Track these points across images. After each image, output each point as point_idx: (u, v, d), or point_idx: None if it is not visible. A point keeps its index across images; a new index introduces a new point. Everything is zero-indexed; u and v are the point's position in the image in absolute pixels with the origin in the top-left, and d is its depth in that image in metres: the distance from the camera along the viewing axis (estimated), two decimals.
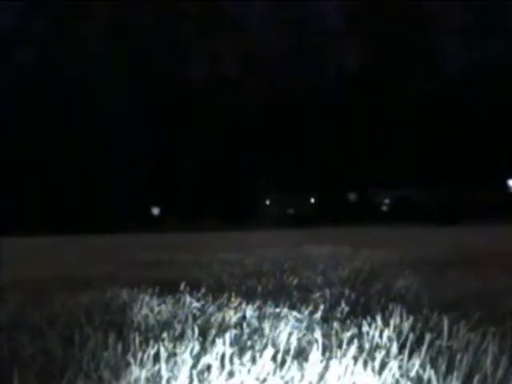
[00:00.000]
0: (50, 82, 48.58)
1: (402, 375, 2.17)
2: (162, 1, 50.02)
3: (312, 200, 56.92)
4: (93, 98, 48.60)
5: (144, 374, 2.13)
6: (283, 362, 2.24)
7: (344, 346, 2.47)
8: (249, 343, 2.67)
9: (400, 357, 2.34)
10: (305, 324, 3.03)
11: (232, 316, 3.32)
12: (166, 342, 2.62)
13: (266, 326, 2.99)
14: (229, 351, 2.29)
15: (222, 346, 2.37)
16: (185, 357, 2.32)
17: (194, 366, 2.23)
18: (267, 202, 57.44)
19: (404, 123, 51.15)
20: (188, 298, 3.95)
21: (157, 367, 2.22)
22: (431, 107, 51.45)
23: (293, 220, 48.15)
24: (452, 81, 53.23)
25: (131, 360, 2.28)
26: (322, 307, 3.48)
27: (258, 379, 2.09)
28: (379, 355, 2.29)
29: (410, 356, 2.36)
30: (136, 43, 50.56)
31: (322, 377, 2.10)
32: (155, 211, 54.65)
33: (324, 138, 51.32)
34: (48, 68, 49.56)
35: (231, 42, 53.06)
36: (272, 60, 54.70)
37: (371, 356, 2.36)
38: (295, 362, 2.23)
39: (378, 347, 2.56)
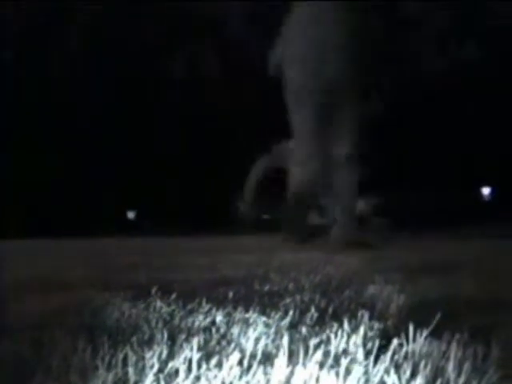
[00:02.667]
0: (27, 81, 48.15)
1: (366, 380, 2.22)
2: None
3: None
4: (68, 99, 48.24)
5: (111, 377, 2.15)
6: (249, 367, 2.27)
7: (310, 351, 2.50)
8: (217, 348, 2.70)
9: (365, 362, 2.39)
10: (273, 329, 3.05)
11: (201, 321, 3.34)
12: (135, 346, 2.64)
13: (235, 331, 3.02)
14: (196, 356, 2.31)
15: (190, 351, 2.39)
16: (152, 361, 2.34)
17: (161, 370, 2.25)
18: (242, 208, 57.30)
19: (379, 129, 51.30)
20: (159, 303, 3.97)
21: (125, 371, 2.24)
22: (406, 113, 51.72)
23: (267, 225, 48.04)
24: (429, 85, 53.50)
25: (99, 364, 2.29)
26: (291, 313, 3.51)
27: (223, 383, 2.12)
28: (345, 361, 2.32)
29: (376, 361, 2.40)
30: (112, 42, 50.33)
31: (287, 382, 2.13)
32: (130, 215, 54.34)
33: None
34: (24, 66, 49.12)
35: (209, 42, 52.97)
36: (252, 59, 54.67)
37: (337, 362, 2.40)
38: (261, 367, 2.26)
39: (344, 353, 2.60)
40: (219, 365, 2.27)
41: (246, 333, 2.95)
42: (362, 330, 2.91)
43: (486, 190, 51.28)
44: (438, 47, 48.97)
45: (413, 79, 52.51)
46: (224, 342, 2.80)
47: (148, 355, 2.41)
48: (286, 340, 2.53)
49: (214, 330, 3.08)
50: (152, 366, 2.27)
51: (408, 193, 48.21)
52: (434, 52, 48.98)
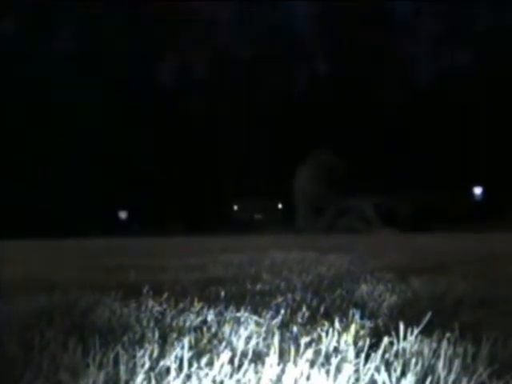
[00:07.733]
0: (13, 82, 47.96)
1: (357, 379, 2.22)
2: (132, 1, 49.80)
3: (280, 206, 57.10)
4: (58, 99, 48.11)
5: (102, 375, 2.15)
6: (240, 365, 2.28)
7: (301, 349, 2.50)
8: (208, 347, 2.70)
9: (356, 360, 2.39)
10: (264, 328, 3.06)
11: (193, 320, 3.35)
12: (127, 345, 2.64)
13: (226, 329, 3.02)
14: (187, 354, 2.31)
15: (181, 350, 2.39)
16: (144, 359, 2.34)
17: (152, 369, 2.25)
18: (235, 208, 57.52)
19: (373, 131, 51.56)
20: (150, 302, 3.97)
21: (116, 369, 2.24)
22: (400, 115, 51.94)
23: (260, 226, 48.16)
24: (422, 89, 53.76)
25: (90, 362, 2.29)
26: (282, 312, 3.52)
27: (214, 382, 2.12)
28: (335, 359, 2.33)
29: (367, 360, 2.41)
30: (104, 43, 50.21)
31: (278, 380, 2.14)
32: (122, 215, 54.29)
33: (293, 144, 51.48)
34: (11, 67, 48.93)
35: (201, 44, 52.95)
36: (241, 62, 54.75)
37: (328, 360, 2.41)
38: (252, 365, 2.26)
39: (335, 351, 2.61)
40: (210, 363, 2.27)
41: (237, 332, 2.95)
42: (353, 328, 2.92)
43: (477, 190, 51.66)
44: (431, 51, 49.13)
45: (406, 82, 52.68)
46: (215, 341, 2.81)
47: (139, 354, 2.41)
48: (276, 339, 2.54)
49: (205, 328, 3.09)
50: (143, 365, 2.27)
51: (402, 193, 48.45)
52: (427, 55, 49.13)
